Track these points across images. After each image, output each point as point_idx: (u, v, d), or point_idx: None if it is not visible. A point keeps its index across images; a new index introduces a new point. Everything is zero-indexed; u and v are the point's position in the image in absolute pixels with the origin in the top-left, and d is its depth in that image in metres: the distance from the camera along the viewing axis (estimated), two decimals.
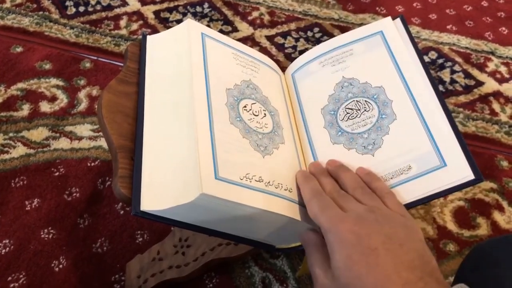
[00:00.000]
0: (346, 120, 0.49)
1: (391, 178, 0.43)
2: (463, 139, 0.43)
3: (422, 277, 0.33)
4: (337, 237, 0.36)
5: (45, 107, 0.84)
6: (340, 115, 0.49)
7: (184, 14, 1.06)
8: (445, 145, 0.43)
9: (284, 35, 1.03)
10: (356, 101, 0.49)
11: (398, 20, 0.53)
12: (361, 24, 1.05)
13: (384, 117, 0.47)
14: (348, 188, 0.42)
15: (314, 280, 0.38)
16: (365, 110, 0.48)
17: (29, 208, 0.71)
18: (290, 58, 0.98)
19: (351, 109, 0.49)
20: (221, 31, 1.02)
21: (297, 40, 1.02)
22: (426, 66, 0.48)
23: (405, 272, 0.33)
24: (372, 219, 0.37)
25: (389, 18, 0.53)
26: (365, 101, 0.49)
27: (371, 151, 0.46)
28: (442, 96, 0.46)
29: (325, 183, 0.43)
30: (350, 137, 0.48)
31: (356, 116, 0.48)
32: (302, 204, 0.43)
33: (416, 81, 0.47)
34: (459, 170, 0.41)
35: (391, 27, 0.52)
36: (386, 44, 0.51)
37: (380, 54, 0.51)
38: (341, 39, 0.54)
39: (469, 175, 0.41)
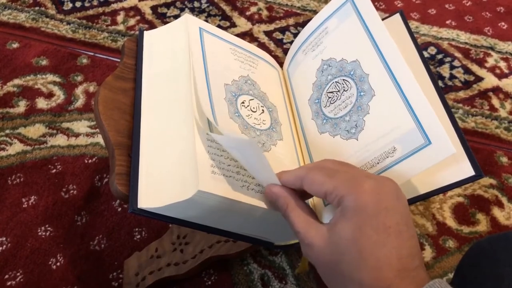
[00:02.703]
0: (329, 106, 0.46)
1: (378, 163, 0.41)
2: (463, 134, 0.42)
3: (417, 266, 0.32)
4: (355, 203, 0.32)
5: (41, 103, 0.84)
6: (323, 101, 0.47)
7: (182, 10, 1.05)
8: (428, 121, 0.40)
9: (283, 30, 1.03)
10: (335, 82, 0.47)
11: (397, 15, 0.52)
12: None
13: (362, 94, 0.44)
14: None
15: (300, 239, 0.35)
16: (344, 90, 0.46)
17: (26, 206, 0.71)
18: None
19: (331, 92, 0.47)
20: (219, 27, 1.01)
21: (295, 35, 1.01)
22: (426, 62, 0.48)
23: (406, 259, 0.31)
24: (392, 191, 0.34)
25: None
26: (343, 80, 0.46)
27: (355, 135, 0.43)
28: (442, 92, 0.45)
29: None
30: (334, 123, 0.45)
31: (337, 99, 0.46)
32: None
33: (390, 48, 0.44)
34: (444, 146, 0.38)
35: None
36: (356, 11, 0.47)
37: (352, 24, 0.47)
38: (316, 20, 0.51)
39: (453, 150, 0.38)
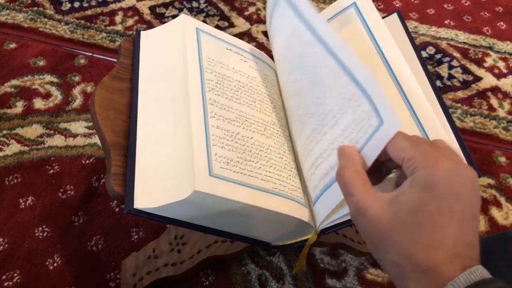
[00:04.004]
0: None
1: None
2: (460, 134, 0.42)
3: (473, 257, 0.31)
4: (426, 178, 0.32)
5: (39, 104, 0.84)
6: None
7: (180, 10, 1.05)
8: (432, 130, 0.41)
9: None
10: None
11: (394, 15, 0.52)
12: None
13: None
14: None
15: (352, 202, 0.34)
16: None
17: (23, 206, 0.70)
18: None
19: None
20: (217, 27, 1.01)
21: None
22: (423, 62, 0.48)
23: (462, 246, 0.31)
24: (468, 179, 0.33)
25: None
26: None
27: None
28: (440, 93, 0.45)
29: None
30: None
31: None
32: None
33: (394, 56, 0.45)
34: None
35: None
36: (361, 17, 0.48)
37: (355, 29, 0.48)
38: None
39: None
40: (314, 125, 0.41)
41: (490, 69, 0.98)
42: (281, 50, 0.48)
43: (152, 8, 1.05)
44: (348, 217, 0.41)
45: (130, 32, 0.99)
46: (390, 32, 0.47)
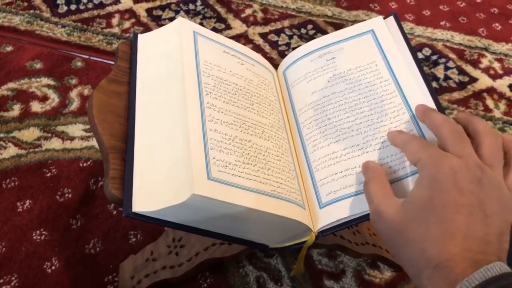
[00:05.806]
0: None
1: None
2: None
3: (488, 253, 0.31)
4: (431, 174, 0.34)
5: (36, 107, 0.83)
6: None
7: (177, 12, 1.05)
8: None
9: (278, 32, 1.03)
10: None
11: (391, 17, 0.53)
12: (354, 21, 1.05)
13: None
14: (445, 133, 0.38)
15: (371, 209, 0.38)
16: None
17: (20, 210, 0.70)
18: (284, 56, 0.95)
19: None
20: (214, 29, 1.01)
21: (290, 37, 1.02)
22: (419, 63, 0.48)
23: (474, 240, 0.31)
24: (474, 174, 0.34)
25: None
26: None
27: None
28: (435, 94, 0.46)
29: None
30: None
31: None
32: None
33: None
34: None
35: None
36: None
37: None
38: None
39: None
40: (359, 141, 0.45)
41: (486, 70, 0.98)
42: (342, 69, 0.51)
43: (148, 11, 1.05)
44: (346, 219, 0.42)
45: (127, 35, 0.99)
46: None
